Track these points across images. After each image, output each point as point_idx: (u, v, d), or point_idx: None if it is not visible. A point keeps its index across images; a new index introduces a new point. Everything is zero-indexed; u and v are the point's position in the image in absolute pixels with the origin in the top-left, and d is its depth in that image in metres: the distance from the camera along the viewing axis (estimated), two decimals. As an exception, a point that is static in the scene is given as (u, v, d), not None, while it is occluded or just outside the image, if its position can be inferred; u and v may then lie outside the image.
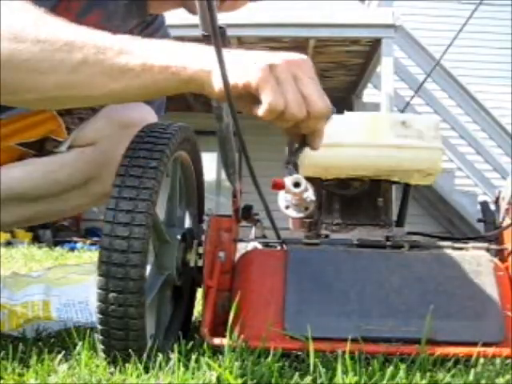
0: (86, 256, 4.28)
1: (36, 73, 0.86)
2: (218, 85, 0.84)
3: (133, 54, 0.86)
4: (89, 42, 0.85)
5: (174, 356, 0.90)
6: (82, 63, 0.85)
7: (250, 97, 0.86)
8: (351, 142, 1.35)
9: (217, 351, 0.97)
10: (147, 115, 1.32)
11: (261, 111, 0.84)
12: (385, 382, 0.88)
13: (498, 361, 0.98)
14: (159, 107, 1.47)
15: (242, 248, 1.31)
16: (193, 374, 0.87)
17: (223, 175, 1.67)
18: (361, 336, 1.02)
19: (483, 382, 0.89)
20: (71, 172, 1.28)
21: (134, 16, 1.29)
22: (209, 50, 0.84)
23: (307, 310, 1.11)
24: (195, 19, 1.00)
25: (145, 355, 0.91)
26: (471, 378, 0.90)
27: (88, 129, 1.31)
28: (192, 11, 1.30)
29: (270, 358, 0.91)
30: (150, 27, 1.38)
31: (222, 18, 1.35)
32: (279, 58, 0.86)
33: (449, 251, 1.24)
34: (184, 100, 7.41)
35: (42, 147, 1.31)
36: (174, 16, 1.50)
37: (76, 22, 0.90)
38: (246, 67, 0.85)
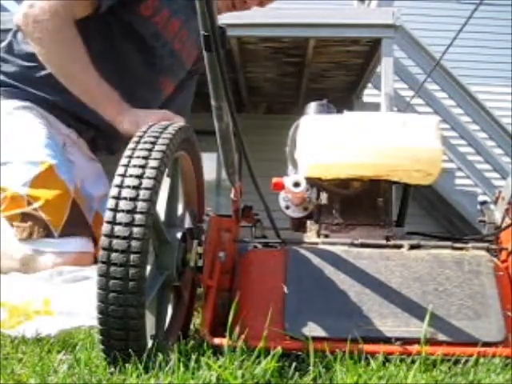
0: (86, 256, 4.26)
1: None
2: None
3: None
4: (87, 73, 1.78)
5: (173, 356, 0.90)
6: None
7: None
8: (351, 142, 1.35)
9: (217, 351, 0.97)
10: None
11: None
12: (385, 382, 0.88)
13: (497, 361, 0.98)
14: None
15: (241, 248, 1.31)
16: (193, 373, 0.87)
17: (223, 175, 1.67)
18: (361, 336, 1.02)
19: (483, 382, 0.89)
20: None
21: None
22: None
23: (307, 309, 1.11)
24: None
25: (145, 355, 0.91)
26: (471, 377, 0.90)
27: None
28: None
29: (269, 358, 0.91)
30: None
31: (222, 18, 1.35)
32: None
33: (449, 251, 1.24)
34: (184, 100, 7.39)
35: None
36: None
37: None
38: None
